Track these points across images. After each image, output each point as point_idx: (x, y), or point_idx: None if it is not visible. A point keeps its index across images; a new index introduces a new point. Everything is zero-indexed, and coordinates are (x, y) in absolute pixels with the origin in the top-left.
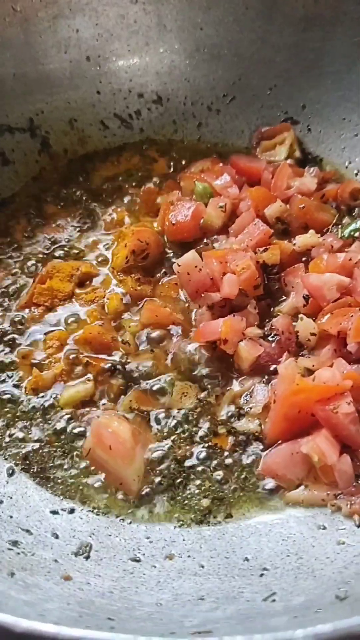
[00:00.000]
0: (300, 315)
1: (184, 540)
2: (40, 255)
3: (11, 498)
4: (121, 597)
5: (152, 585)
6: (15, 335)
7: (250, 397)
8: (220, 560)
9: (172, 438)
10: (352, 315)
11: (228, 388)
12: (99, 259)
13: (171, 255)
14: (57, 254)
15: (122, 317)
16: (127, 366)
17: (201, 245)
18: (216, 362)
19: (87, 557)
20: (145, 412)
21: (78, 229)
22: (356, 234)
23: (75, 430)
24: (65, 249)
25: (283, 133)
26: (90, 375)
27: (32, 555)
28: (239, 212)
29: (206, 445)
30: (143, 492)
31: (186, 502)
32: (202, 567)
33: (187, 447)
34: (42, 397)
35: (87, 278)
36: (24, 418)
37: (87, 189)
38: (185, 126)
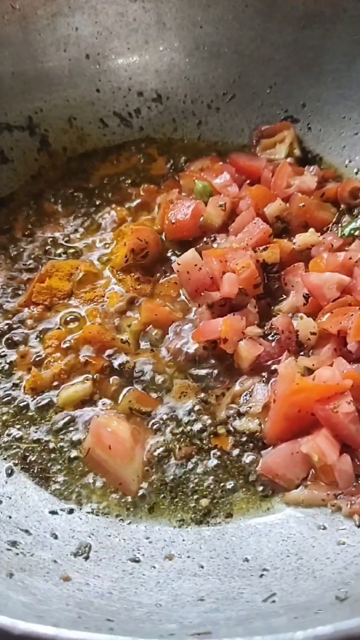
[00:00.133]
0: (300, 315)
1: (183, 540)
2: (40, 254)
3: (10, 498)
4: (120, 598)
5: (152, 586)
6: (14, 335)
7: (250, 396)
8: (220, 560)
9: (171, 438)
10: (352, 314)
11: (228, 387)
12: (99, 258)
13: (171, 254)
14: (56, 252)
15: (122, 316)
16: (126, 365)
17: (201, 244)
18: (216, 361)
19: (87, 558)
20: (144, 412)
21: (77, 227)
22: (356, 233)
23: (75, 430)
24: (65, 247)
25: (283, 131)
26: (89, 375)
27: (31, 556)
28: (239, 211)
29: (206, 445)
30: (142, 492)
31: (186, 502)
32: (202, 567)
33: (187, 447)
34: (41, 396)
35: (86, 277)
36: (23, 418)
37: (87, 188)
38: (185, 124)
